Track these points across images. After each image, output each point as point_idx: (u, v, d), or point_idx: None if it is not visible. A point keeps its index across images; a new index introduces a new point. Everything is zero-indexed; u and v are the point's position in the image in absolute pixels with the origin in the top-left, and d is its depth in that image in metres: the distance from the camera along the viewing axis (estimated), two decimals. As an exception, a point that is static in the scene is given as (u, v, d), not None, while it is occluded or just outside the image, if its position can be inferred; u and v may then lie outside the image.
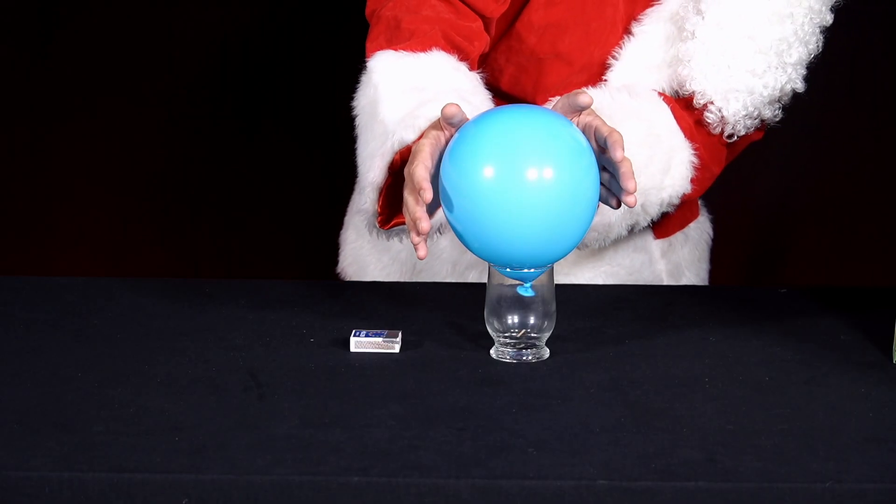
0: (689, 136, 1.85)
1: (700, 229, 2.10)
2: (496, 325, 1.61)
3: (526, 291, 1.60)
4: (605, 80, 1.89)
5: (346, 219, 2.15)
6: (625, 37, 1.89)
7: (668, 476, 1.34)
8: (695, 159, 1.86)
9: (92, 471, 1.34)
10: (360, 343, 1.64)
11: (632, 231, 1.90)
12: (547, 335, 1.62)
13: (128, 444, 1.39)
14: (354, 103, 1.78)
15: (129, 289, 1.83)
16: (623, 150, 1.56)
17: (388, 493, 1.33)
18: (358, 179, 1.76)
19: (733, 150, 1.93)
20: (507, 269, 1.59)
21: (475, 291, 1.81)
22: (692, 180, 1.86)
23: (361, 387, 1.54)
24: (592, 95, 1.72)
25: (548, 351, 1.63)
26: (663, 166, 1.83)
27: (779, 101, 1.88)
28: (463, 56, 1.78)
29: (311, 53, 3.10)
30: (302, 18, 3.10)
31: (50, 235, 3.19)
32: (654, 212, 1.86)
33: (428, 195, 1.54)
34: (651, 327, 1.72)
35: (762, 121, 1.89)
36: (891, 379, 1.57)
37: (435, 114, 1.66)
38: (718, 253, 2.19)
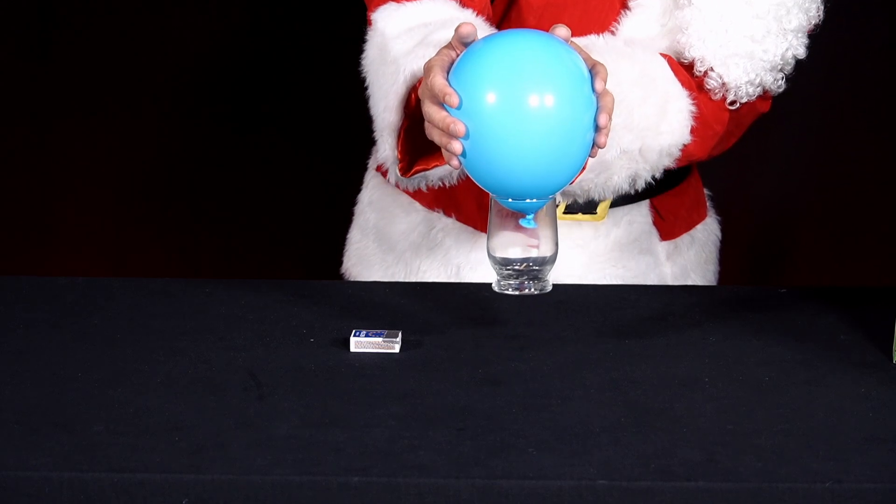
0: (687, 87, 1.85)
1: (707, 231, 2.09)
2: (498, 258, 1.60)
3: (528, 223, 1.59)
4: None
5: (354, 218, 2.14)
6: (622, 11, 1.89)
7: (668, 476, 1.34)
8: (693, 108, 1.84)
9: (92, 471, 1.34)
10: (360, 343, 1.64)
11: (634, 185, 1.86)
12: (550, 268, 1.61)
13: (128, 444, 1.39)
14: (363, 61, 1.80)
15: (129, 289, 1.83)
16: (605, 83, 1.55)
17: (388, 493, 1.33)
18: (375, 130, 1.76)
19: (740, 122, 1.92)
20: (509, 200, 1.58)
21: (475, 291, 1.82)
22: (692, 131, 1.84)
23: (361, 387, 1.54)
24: (587, 38, 1.72)
25: (551, 284, 1.62)
26: (658, 109, 1.81)
27: (781, 69, 1.88)
28: (465, 4, 1.80)
29: (311, 53, 3.10)
30: (302, 18, 3.10)
31: (50, 235, 3.19)
32: (653, 159, 1.84)
33: (454, 99, 1.53)
34: (651, 327, 1.72)
35: (765, 90, 1.89)
36: (891, 379, 1.57)
37: (444, 39, 1.65)
38: (719, 253, 2.19)
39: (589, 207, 1.93)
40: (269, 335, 1.68)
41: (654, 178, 1.86)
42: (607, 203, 1.93)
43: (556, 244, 1.62)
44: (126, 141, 3.14)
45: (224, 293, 1.81)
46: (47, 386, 1.53)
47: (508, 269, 1.60)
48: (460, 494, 1.33)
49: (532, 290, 1.60)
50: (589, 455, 1.38)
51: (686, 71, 1.87)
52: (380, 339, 1.64)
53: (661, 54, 1.86)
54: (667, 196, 2.00)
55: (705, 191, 2.12)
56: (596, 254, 1.95)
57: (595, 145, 1.57)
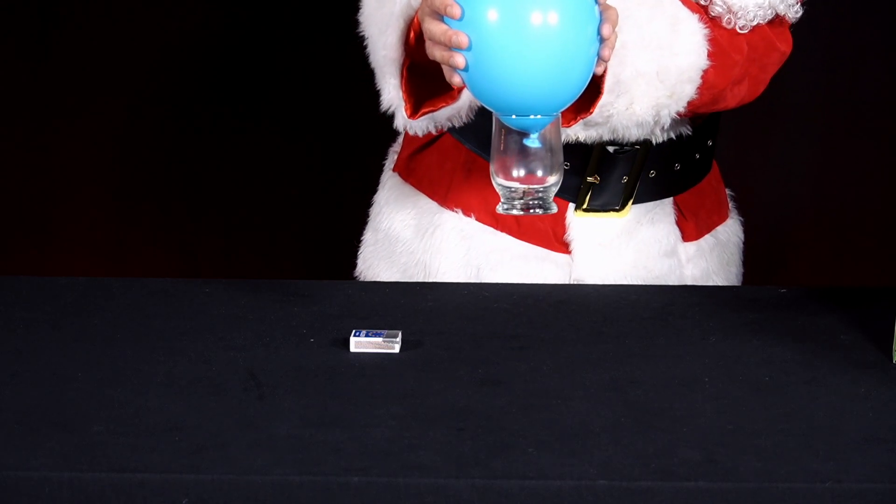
0: (697, 12, 1.83)
1: (729, 232, 2.07)
2: (502, 178, 1.60)
3: (532, 143, 1.58)
4: None
5: (368, 220, 2.13)
6: None
7: (668, 476, 1.34)
8: (706, 30, 1.83)
9: (92, 471, 1.34)
10: (360, 343, 1.64)
11: (658, 120, 1.84)
12: (555, 189, 1.60)
13: (128, 444, 1.39)
14: (360, 18, 1.80)
15: (129, 289, 1.83)
16: (612, 27, 1.55)
17: (388, 493, 1.33)
18: (377, 77, 1.75)
19: (762, 62, 1.90)
20: (513, 117, 1.57)
21: (476, 291, 1.82)
22: (710, 55, 1.83)
23: (361, 387, 1.54)
24: None
25: (555, 206, 1.61)
26: (669, 27, 1.80)
27: None
28: None
29: (312, 53, 3.10)
30: (303, 17, 3.10)
31: (50, 235, 3.19)
32: (672, 82, 1.82)
33: (456, 9, 1.52)
34: (651, 327, 1.72)
35: (778, 16, 1.88)
36: (891, 379, 1.57)
37: None
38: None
39: (612, 203, 1.92)
40: (269, 335, 1.68)
41: (678, 164, 1.83)
42: (630, 200, 1.93)
43: (561, 166, 1.60)
44: (126, 141, 3.14)
45: (224, 293, 1.81)
46: (47, 386, 1.53)
47: (513, 192, 1.59)
48: (460, 494, 1.33)
49: (537, 210, 1.59)
50: (589, 455, 1.38)
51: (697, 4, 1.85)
52: (380, 339, 1.64)
53: None
54: (689, 195, 1.99)
55: (728, 191, 2.11)
56: (618, 254, 1.94)
57: (600, 58, 1.55)
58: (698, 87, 1.84)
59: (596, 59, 1.55)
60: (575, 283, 1.94)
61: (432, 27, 1.56)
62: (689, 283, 1.99)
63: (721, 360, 1.62)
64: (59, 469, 1.34)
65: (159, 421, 1.44)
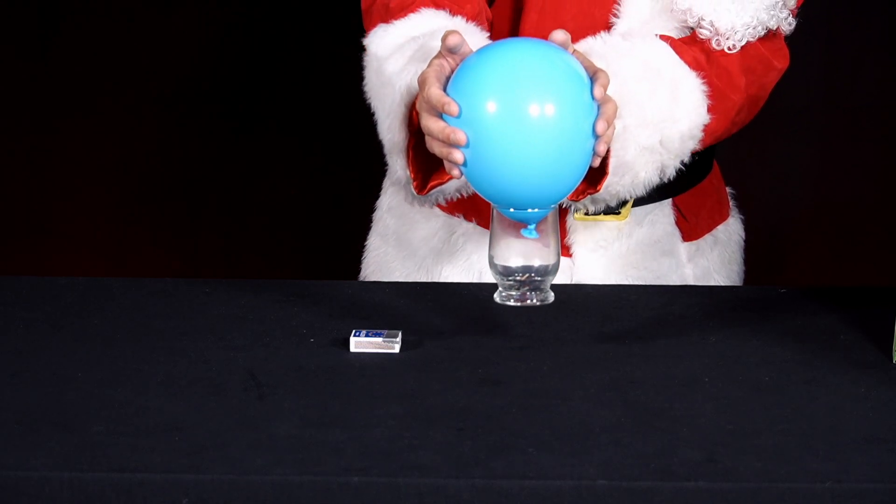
0: (694, 66, 1.83)
1: (729, 231, 2.07)
2: (500, 268, 1.60)
3: (530, 234, 1.59)
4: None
5: (372, 224, 2.13)
6: None
7: (668, 476, 1.34)
8: (705, 87, 1.83)
9: (92, 471, 1.34)
10: (360, 343, 1.64)
11: (664, 176, 1.84)
12: (552, 278, 1.61)
13: (128, 444, 1.39)
14: (364, 88, 1.81)
15: (129, 289, 1.83)
16: (604, 89, 1.55)
17: (388, 493, 1.33)
18: (385, 153, 1.77)
19: (761, 83, 1.90)
20: (511, 210, 1.58)
21: (475, 291, 1.82)
22: (710, 109, 1.83)
23: (361, 387, 1.54)
24: (585, 42, 1.72)
25: (552, 295, 1.62)
26: (669, 97, 1.80)
27: (783, 5, 1.86)
28: (455, 13, 1.81)
29: (312, 52, 3.10)
30: (303, 17, 3.10)
31: (50, 235, 3.19)
32: (675, 147, 1.82)
33: (454, 107, 1.54)
34: (651, 327, 1.72)
35: (770, 31, 1.87)
36: (891, 379, 1.57)
37: (434, 50, 1.66)
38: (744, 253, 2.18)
39: (612, 207, 1.92)
40: (269, 335, 1.68)
41: (683, 164, 1.84)
42: (629, 203, 1.93)
43: (559, 254, 1.62)
44: (126, 141, 3.14)
45: (224, 293, 1.81)
46: (47, 386, 1.53)
47: (510, 280, 1.61)
48: (460, 494, 1.33)
49: (534, 301, 1.61)
50: (589, 455, 1.38)
51: (690, 45, 1.85)
52: (380, 339, 1.64)
53: (661, 37, 1.84)
54: (689, 195, 1.99)
55: (728, 189, 2.11)
56: (618, 255, 1.94)
57: (595, 154, 1.57)
58: (701, 140, 1.85)
59: (592, 152, 1.57)
60: (575, 283, 1.94)
61: (430, 124, 1.58)
62: (691, 281, 1.99)
63: (721, 360, 1.62)
64: (59, 469, 1.34)
65: (159, 421, 1.44)
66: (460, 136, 1.54)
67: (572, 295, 1.81)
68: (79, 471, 1.34)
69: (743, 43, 1.85)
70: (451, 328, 1.70)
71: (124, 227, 3.18)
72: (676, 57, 1.83)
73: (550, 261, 1.61)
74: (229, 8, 3.09)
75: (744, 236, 2.11)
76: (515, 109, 1.52)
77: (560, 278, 1.93)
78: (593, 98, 1.55)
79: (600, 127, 1.56)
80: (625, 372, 1.58)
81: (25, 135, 3.15)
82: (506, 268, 1.60)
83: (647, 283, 1.95)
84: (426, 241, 2.00)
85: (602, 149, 1.57)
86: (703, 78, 1.83)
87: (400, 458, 1.37)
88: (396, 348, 1.64)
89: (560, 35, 1.59)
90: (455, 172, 1.58)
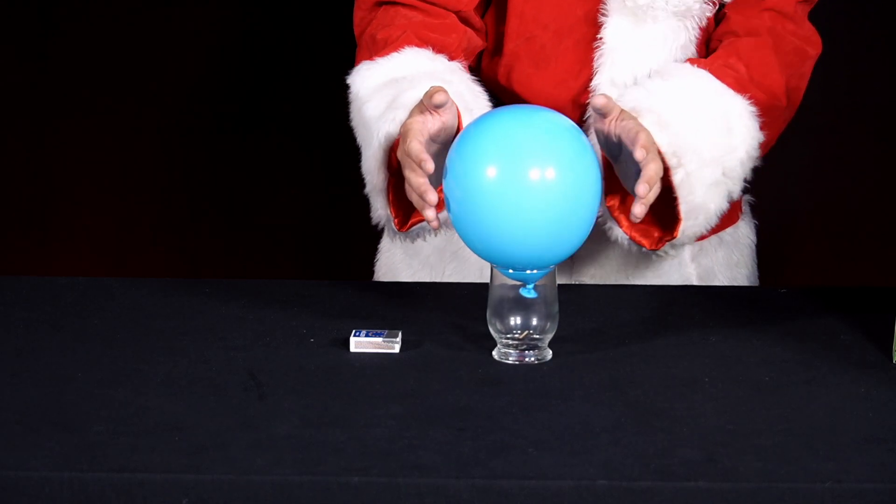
0: (738, 88, 1.82)
1: (738, 234, 2.06)
2: (498, 326, 1.61)
3: (528, 293, 1.60)
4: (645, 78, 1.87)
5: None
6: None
7: (668, 476, 1.34)
8: (753, 108, 1.82)
9: (92, 471, 1.34)
10: (360, 343, 1.64)
11: (732, 199, 1.84)
12: (549, 336, 1.62)
13: (128, 444, 1.39)
14: (351, 123, 1.85)
15: (129, 289, 1.83)
16: (646, 150, 1.57)
17: (388, 493, 1.33)
18: (368, 194, 1.80)
19: (799, 73, 1.89)
20: (510, 271, 1.59)
21: (476, 291, 1.81)
22: (762, 126, 1.83)
23: (361, 387, 1.54)
24: (631, 96, 1.74)
25: (550, 352, 1.63)
26: (724, 129, 1.80)
27: None
28: (438, 49, 1.84)
29: (312, 54, 3.10)
30: (302, 18, 3.10)
31: (50, 235, 3.19)
32: (738, 173, 1.82)
33: (429, 165, 1.58)
34: (651, 327, 1.72)
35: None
36: (891, 379, 1.57)
37: (413, 99, 1.70)
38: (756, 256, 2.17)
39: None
40: (269, 335, 1.68)
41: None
42: None
43: (556, 315, 1.62)
44: (126, 141, 3.14)
45: (224, 293, 1.81)
46: (47, 386, 1.53)
47: (508, 338, 1.61)
48: (460, 494, 1.33)
49: (532, 359, 1.61)
50: (589, 455, 1.38)
51: (724, 60, 1.84)
52: (380, 339, 1.64)
53: (693, 61, 1.84)
54: None
55: (746, 197, 2.09)
56: (620, 253, 1.94)
57: (633, 216, 1.59)
58: (758, 157, 1.85)
59: (596, 214, 1.58)
60: (576, 282, 1.94)
61: (410, 177, 1.63)
62: (694, 280, 1.99)
63: (721, 360, 1.62)
64: (59, 469, 1.34)
65: (159, 421, 1.44)
66: (431, 198, 1.60)
67: (572, 295, 1.81)
68: (79, 471, 1.34)
69: None
70: (451, 328, 1.70)
71: (124, 227, 3.18)
72: (718, 82, 1.82)
73: (549, 319, 1.61)
74: (230, 8, 3.09)
75: (755, 240, 2.10)
76: (515, 179, 1.54)
77: (560, 278, 1.93)
78: (596, 160, 1.57)
79: (641, 189, 1.58)
80: (625, 372, 1.58)
81: (25, 135, 3.15)
82: (504, 326, 1.61)
83: (649, 281, 1.95)
84: (430, 240, 2.00)
85: (639, 210, 1.59)
86: (750, 98, 1.82)
87: (400, 458, 1.37)
88: (396, 348, 1.64)
89: (601, 100, 1.62)
90: (429, 214, 1.61)
